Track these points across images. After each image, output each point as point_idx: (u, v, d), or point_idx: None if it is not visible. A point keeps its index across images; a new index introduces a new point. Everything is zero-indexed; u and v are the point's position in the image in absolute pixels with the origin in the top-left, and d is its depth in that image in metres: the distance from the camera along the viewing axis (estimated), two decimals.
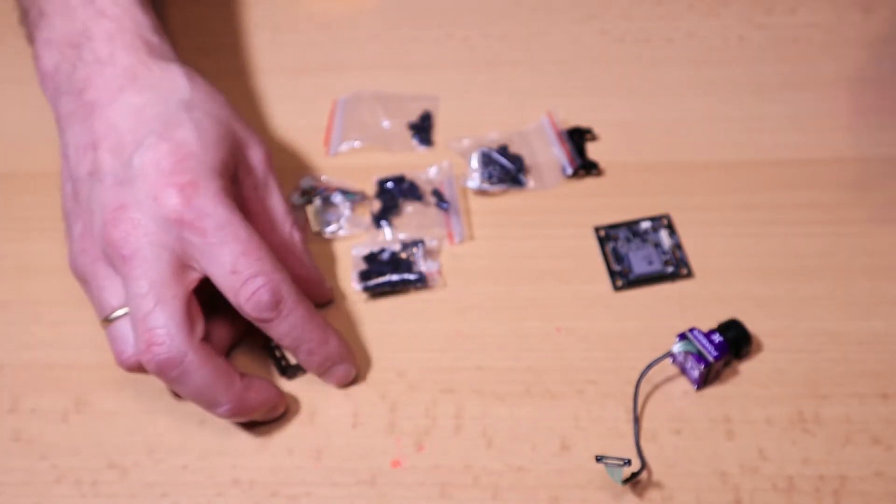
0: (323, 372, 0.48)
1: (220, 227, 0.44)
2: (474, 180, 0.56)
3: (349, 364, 0.48)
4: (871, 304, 0.50)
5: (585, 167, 0.56)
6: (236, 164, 0.48)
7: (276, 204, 0.50)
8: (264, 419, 0.47)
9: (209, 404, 0.45)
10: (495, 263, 0.53)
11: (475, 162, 0.56)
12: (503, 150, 0.57)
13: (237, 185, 0.48)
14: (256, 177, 0.50)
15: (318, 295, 0.51)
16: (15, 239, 0.55)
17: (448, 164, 0.57)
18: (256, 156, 0.50)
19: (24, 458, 0.47)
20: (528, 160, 0.57)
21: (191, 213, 0.44)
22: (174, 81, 0.49)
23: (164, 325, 0.43)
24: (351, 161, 0.59)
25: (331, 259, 0.54)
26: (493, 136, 0.58)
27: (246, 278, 0.44)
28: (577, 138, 0.58)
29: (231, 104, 0.51)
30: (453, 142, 0.58)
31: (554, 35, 0.65)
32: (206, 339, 0.45)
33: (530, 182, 0.56)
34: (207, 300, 0.47)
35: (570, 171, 0.56)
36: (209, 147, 0.46)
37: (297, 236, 0.51)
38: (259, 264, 0.44)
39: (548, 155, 0.58)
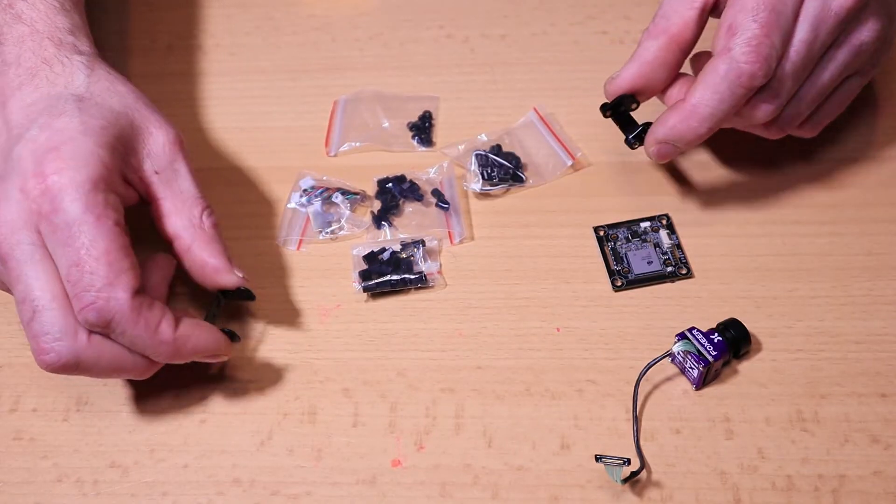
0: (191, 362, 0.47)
1: (67, 225, 0.43)
2: (477, 183, 0.56)
3: (216, 356, 0.47)
4: (869, 303, 0.50)
5: (639, 138, 0.52)
6: (128, 150, 0.47)
7: (185, 188, 0.49)
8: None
9: (123, 376, 0.46)
10: (495, 263, 0.53)
11: (474, 165, 0.56)
12: (497, 150, 0.57)
13: (135, 171, 0.48)
14: (158, 161, 0.48)
15: (225, 282, 0.48)
16: None
17: (448, 164, 0.57)
18: (159, 140, 0.49)
19: (26, 457, 0.47)
20: (522, 157, 0.57)
21: (47, 206, 0.43)
22: (72, 75, 0.48)
23: (47, 331, 0.43)
24: (351, 161, 0.59)
25: (331, 259, 0.54)
26: (484, 138, 0.58)
27: (77, 291, 0.42)
28: (623, 110, 0.53)
29: (137, 91, 0.50)
30: (447, 148, 0.58)
31: (553, 35, 0.65)
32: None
33: (530, 178, 0.56)
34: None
35: (570, 162, 0.56)
36: (91, 132, 0.45)
37: (207, 222, 0.49)
38: (89, 279, 0.42)
39: (542, 148, 0.58)
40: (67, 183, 0.43)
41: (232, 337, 0.48)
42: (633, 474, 0.44)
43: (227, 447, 0.47)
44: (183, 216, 0.48)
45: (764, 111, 0.49)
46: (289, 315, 0.52)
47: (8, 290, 0.46)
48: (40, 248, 0.44)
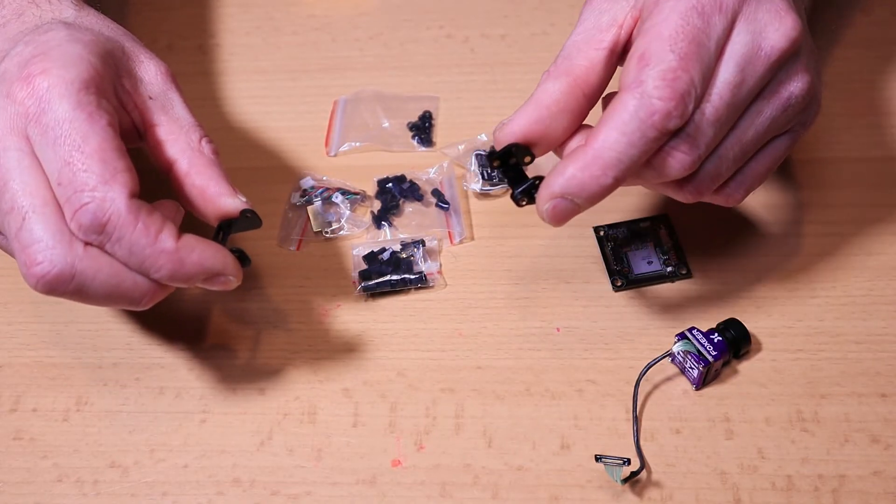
0: (195, 286, 0.43)
1: (57, 123, 0.40)
2: (477, 183, 0.56)
3: (224, 276, 0.43)
4: (869, 303, 0.50)
5: (527, 193, 0.45)
6: (121, 69, 0.45)
7: (181, 115, 0.46)
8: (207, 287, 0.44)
9: (122, 304, 0.42)
10: (495, 263, 0.53)
11: (474, 165, 0.56)
12: None
13: (129, 95, 0.45)
14: (152, 88, 0.46)
15: (227, 207, 0.44)
16: None
17: (448, 164, 0.57)
18: (151, 69, 0.46)
19: (26, 457, 0.47)
20: None
21: (34, 107, 0.41)
22: (60, 11, 0.47)
23: (38, 238, 0.40)
24: (351, 161, 0.59)
25: (331, 259, 0.54)
26: (484, 138, 0.58)
27: (69, 193, 0.39)
28: (513, 162, 0.45)
29: (125, 29, 0.48)
30: (447, 148, 0.58)
31: (554, 35, 0.65)
32: None
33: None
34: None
35: None
36: (79, 41, 0.43)
37: (207, 147, 0.45)
38: (83, 177, 0.39)
39: None
40: (56, 81, 0.41)
41: (242, 259, 0.44)
42: (633, 474, 0.44)
43: (227, 447, 0.47)
44: (180, 141, 0.45)
45: (680, 162, 0.42)
46: (289, 315, 0.52)
47: None
48: (28, 155, 0.41)
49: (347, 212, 0.55)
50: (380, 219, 0.55)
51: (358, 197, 0.56)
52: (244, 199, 0.45)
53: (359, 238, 0.55)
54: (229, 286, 0.43)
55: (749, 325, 0.48)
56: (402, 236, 0.54)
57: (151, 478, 0.46)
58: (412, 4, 0.67)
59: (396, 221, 0.55)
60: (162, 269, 0.41)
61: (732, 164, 0.44)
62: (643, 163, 0.42)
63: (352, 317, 0.52)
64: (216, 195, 0.44)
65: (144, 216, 0.40)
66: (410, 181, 0.56)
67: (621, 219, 0.54)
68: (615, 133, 0.40)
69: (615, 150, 0.40)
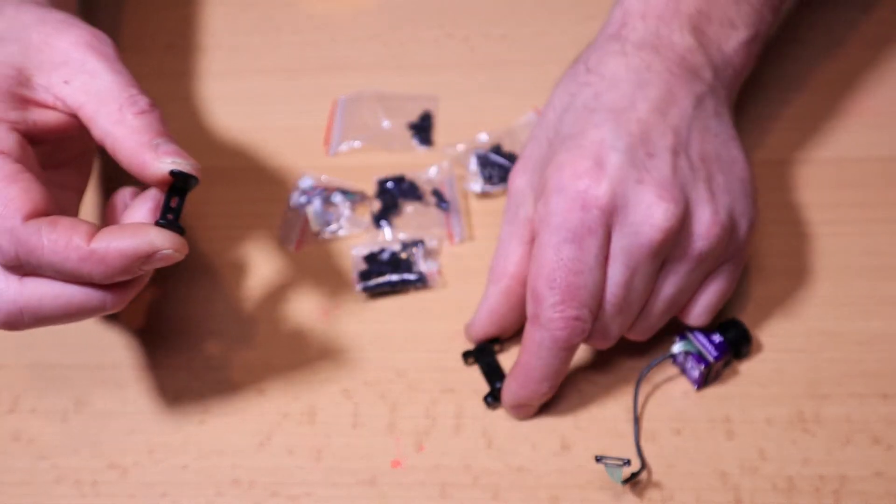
0: (144, 270, 0.41)
1: None
2: (477, 183, 0.56)
3: (158, 251, 0.40)
4: (870, 304, 0.50)
5: (495, 398, 0.48)
6: (23, 72, 0.43)
7: (102, 87, 0.43)
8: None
9: (92, 315, 0.42)
10: None
11: (474, 165, 0.56)
12: (497, 150, 0.57)
13: (46, 90, 0.43)
14: (65, 71, 0.44)
15: (150, 177, 0.42)
16: None
17: (448, 164, 0.57)
18: (60, 49, 0.44)
19: (24, 457, 0.47)
20: None
21: None
22: None
23: None
24: (351, 161, 0.59)
25: (331, 259, 0.54)
26: (484, 138, 0.58)
27: None
28: (488, 352, 0.49)
29: (48, 12, 0.45)
30: (448, 147, 0.58)
31: (554, 35, 0.65)
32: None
33: None
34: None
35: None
36: None
37: (128, 114, 0.43)
38: None
39: None
40: None
41: (172, 228, 0.41)
42: (634, 475, 0.44)
43: (226, 448, 0.47)
44: (102, 116, 0.43)
45: (601, 345, 0.47)
46: (289, 315, 0.52)
47: None
48: None
49: (347, 212, 0.55)
50: (380, 219, 0.55)
51: (357, 197, 0.56)
52: (169, 161, 0.42)
53: (359, 238, 0.55)
54: (171, 260, 0.40)
55: (749, 325, 0.48)
56: (401, 236, 0.54)
57: (151, 478, 0.46)
58: (412, 4, 0.67)
59: (396, 221, 0.55)
60: (92, 274, 0.39)
61: (660, 317, 0.47)
62: (570, 361, 0.46)
63: (352, 317, 0.52)
64: (140, 168, 0.42)
65: (47, 233, 0.39)
66: (410, 181, 0.56)
67: None
68: (534, 358, 0.45)
69: (539, 370, 0.45)
